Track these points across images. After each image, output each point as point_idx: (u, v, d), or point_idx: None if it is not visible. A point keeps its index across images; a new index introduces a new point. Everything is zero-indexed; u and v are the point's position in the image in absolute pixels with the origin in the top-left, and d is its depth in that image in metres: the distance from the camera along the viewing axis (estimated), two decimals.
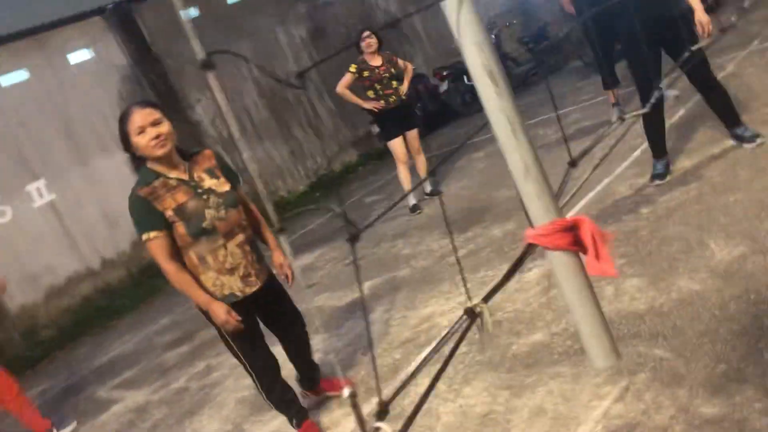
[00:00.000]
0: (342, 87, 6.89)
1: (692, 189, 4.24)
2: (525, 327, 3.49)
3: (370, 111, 6.93)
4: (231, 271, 3.06)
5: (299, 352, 3.56)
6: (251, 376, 3.28)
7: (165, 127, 2.96)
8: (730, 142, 4.63)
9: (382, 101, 6.76)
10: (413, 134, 7.05)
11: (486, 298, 1.11)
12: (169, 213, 2.93)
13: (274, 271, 3.35)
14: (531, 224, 1.14)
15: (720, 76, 5.58)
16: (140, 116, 2.92)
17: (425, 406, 0.98)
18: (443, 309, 4.19)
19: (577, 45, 9.95)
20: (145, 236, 2.92)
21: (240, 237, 3.09)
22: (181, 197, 2.97)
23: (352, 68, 6.78)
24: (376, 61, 6.78)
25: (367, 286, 5.32)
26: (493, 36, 11.74)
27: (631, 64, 4.52)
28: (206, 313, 3.07)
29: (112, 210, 9.62)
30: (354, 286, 5.48)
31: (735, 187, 3.98)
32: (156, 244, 2.92)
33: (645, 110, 1.79)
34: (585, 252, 1.12)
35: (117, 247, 9.65)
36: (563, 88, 10.01)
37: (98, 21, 10.01)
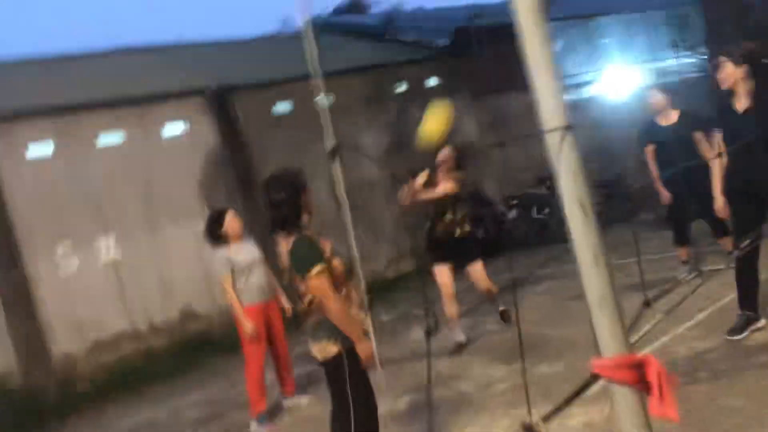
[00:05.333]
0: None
1: (762, 359, 4.08)
2: None
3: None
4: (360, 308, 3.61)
5: None
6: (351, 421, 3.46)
7: None
8: None
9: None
10: (477, 268, 6.30)
11: (546, 418, 1.11)
12: (327, 254, 3.49)
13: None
14: (599, 354, 1.15)
15: None
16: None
17: None
18: None
19: (652, 197, 9.93)
20: (317, 268, 3.37)
21: None
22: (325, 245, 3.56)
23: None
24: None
25: (402, 400, 5.21)
26: None
27: (735, 218, 4.64)
28: (338, 358, 3.40)
29: (170, 278, 9.87)
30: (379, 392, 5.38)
31: None
32: (325, 276, 3.38)
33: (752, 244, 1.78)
34: (649, 392, 1.12)
35: (167, 315, 9.80)
36: (630, 237, 9.90)
37: (197, 100, 10.67)
